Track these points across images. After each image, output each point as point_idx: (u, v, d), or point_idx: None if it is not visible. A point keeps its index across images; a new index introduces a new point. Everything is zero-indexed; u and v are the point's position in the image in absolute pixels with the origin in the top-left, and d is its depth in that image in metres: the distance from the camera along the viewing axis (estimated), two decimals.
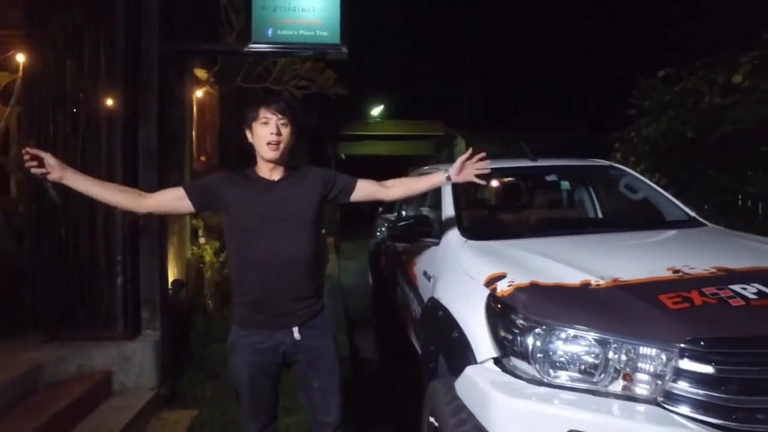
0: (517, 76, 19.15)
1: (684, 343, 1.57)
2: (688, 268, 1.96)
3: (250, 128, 1.97)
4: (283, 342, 1.94)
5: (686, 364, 1.56)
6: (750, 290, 1.73)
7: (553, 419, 1.59)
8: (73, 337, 3.21)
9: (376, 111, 19.07)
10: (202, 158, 4.87)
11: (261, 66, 5.06)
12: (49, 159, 1.83)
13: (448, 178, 2.30)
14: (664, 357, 1.60)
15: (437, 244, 2.84)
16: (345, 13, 3.46)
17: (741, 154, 6.46)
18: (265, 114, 1.92)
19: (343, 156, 18.27)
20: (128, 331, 3.29)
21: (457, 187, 3.07)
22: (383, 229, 4.98)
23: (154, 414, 3.19)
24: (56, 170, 1.84)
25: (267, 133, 1.91)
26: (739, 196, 6.70)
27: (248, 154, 2.10)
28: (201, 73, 4.69)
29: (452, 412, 1.98)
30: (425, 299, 2.78)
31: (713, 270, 1.94)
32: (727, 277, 1.87)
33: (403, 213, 4.45)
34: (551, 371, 1.73)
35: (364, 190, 2.16)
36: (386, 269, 4.50)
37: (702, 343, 1.56)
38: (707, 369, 1.53)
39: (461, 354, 2.01)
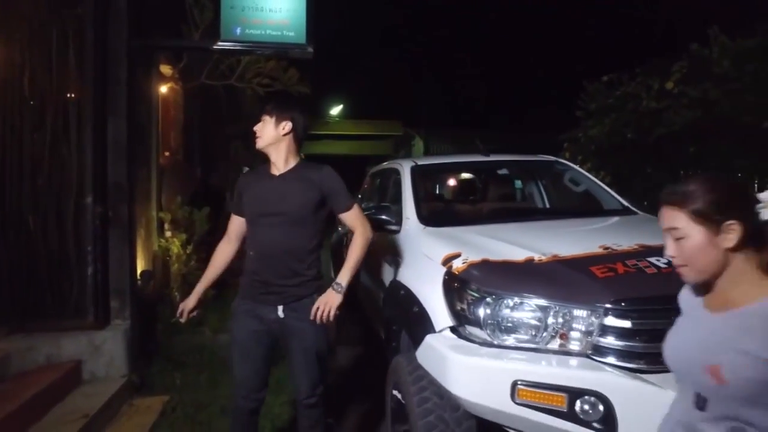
0: (475, 79, 19.75)
1: (609, 304, 1.86)
2: (615, 245, 2.28)
3: None
4: (269, 317, 2.16)
5: (610, 321, 1.85)
6: (662, 261, 2.05)
7: (501, 372, 1.86)
8: (42, 327, 3.24)
9: (336, 110, 19.19)
10: (166, 153, 4.91)
11: (225, 64, 5.14)
12: (190, 307, 2.33)
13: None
14: (593, 317, 1.89)
15: (398, 232, 3.06)
16: (311, 14, 3.64)
17: (674, 154, 7.05)
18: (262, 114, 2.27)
19: (303, 155, 18.26)
20: (98, 321, 3.34)
21: (415, 180, 3.32)
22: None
23: (126, 401, 3.26)
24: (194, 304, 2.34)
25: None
26: None
27: (212, 151, 2.37)
28: (166, 69, 4.73)
29: (414, 380, 2.22)
30: (387, 284, 2.99)
31: (636, 246, 2.26)
32: (646, 251, 2.19)
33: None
34: (500, 334, 1.99)
35: (347, 222, 2.30)
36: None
37: (622, 303, 1.86)
38: (626, 324, 1.84)
39: (422, 326, 2.25)
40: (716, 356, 1.11)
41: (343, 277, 2.15)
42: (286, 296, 2.15)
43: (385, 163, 4.54)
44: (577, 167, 3.89)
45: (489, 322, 2.01)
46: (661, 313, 1.86)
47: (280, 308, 2.15)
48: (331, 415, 2.94)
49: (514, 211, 3.52)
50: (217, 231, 5.30)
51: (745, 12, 7.44)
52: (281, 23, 3.63)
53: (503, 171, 3.77)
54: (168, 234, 4.34)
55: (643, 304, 1.86)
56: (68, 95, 3.30)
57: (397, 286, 2.67)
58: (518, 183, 4.50)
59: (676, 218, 1.17)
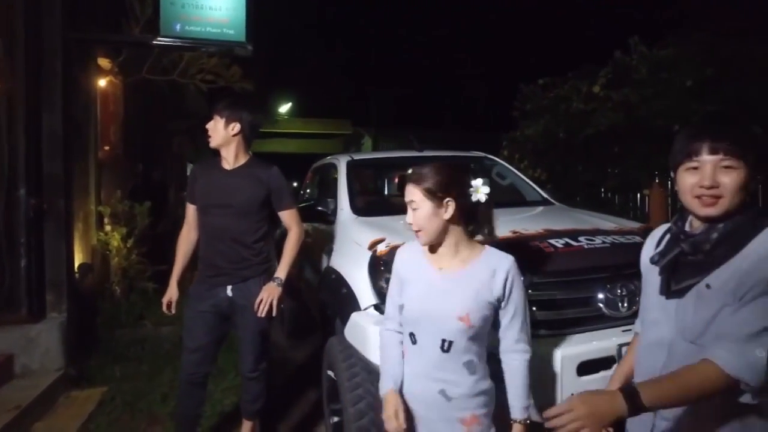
0: (424, 79, 20.18)
1: None
2: (524, 229, 2.55)
3: None
4: (219, 296, 2.36)
5: None
6: (560, 242, 2.34)
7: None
8: None
9: (284, 108, 19.10)
10: (106, 148, 4.86)
11: (167, 59, 5.14)
12: (173, 299, 2.49)
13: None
14: None
15: (333, 222, 3.24)
16: (250, 13, 3.75)
17: (600, 153, 7.59)
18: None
19: (250, 153, 18.06)
20: (32, 314, 3.32)
21: (350, 174, 3.50)
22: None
23: (62, 393, 3.26)
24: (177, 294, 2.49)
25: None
26: (602, 189, 7.87)
27: (155, 146, 2.48)
28: (104, 63, 4.69)
29: (344, 358, 2.39)
30: (322, 271, 3.15)
31: (541, 230, 2.54)
32: (549, 234, 2.47)
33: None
34: None
35: (284, 221, 2.49)
36: None
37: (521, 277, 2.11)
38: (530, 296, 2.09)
39: (349, 306, 2.43)
40: (466, 306, 1.45)
41: (281, 272, 2.39)
42: (234, 277, 2.36)
43: (326, 158, 4.69)
44: (503, 162, 4.20)
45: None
46: (555, 286, 2.14)
47: (229, 288, 2.36)
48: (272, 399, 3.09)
49: None
50: (160, 225, 5.30)
51: (663, 23, 8.10)
52: (221, 21, 3.72)
53: None
54: (108, 228, 4.32)
55: (541, 277, 2.12)
56: None
57: (329, 272, 2.84)
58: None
59: (414, 193, 1.49)
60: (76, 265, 3.76)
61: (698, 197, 1.13)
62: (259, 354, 2.44)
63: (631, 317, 2.11)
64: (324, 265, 3.14)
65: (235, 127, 2.36)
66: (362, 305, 2.36)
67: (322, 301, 3.03)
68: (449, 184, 1.46)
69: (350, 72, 20.17)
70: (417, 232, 1.51)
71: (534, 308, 2.08)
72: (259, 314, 2.29)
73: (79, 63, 3.96)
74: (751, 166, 1.11)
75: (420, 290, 1.53)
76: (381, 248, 2.42)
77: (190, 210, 2.50)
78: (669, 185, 6.56)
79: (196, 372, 2.40)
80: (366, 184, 4.05)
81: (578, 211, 3.35)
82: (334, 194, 3.63)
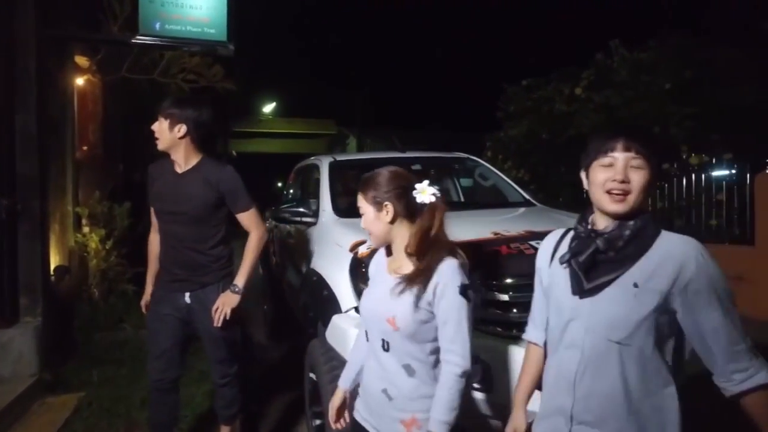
0: (408, 80, 20.22)
1: (491, 280, 2.12)
2: (505, 231, 2.56)
3: None
4: (178, 303, 2.29)
5: (492, 295, 2.11)
6: (536, 244, 2.34)
7: None
8: None
9: (268, 108, 18.96)
10: (84, 148, 4.76)
11: (147, 58, 5.06)
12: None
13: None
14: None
15: (315, 224, 3.22)
16: (232, 12, 3.71)
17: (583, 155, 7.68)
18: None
19: (234, 153, 17.95)
20: (4, 318, 3.24)
21: (333, 175, 3.48)
22: (271, 219, 5.24)
23: (36, 399, 3.18)
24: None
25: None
26: (584, 190, 7.95)
27: (135, 146, 2.41)
28: (82, 61, 4.59)
29: (325, 360, 2.37)
30: (304, 273, 3.13)
31: (522, 232, 2.55)
32: (530, 236, 2.48)
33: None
34: None
35: (242, 223, 2.34)
36: (275, 256, 4.78)
37: (502, 279, 2.12)
38: (504, 297, 2.10)
39: (330, 308, 2.42)
40: (391, 308, 1.47)
41: (240, 279, 2.26)
42: (192, 284, 2.27)
43: (310, 159, 4.66)
44: (486, 164, 4.21)
45: None
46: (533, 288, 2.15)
47: (187, 295, 2.27)
48: (254, 402, 3.06)
49: None
50: (140, 226, 5.21)
51: (644, 27, 8.22)
52: (201, 20, 3.68)
53: (416, 166, 4.01)
54: (86, 229, 4.23)
55: (520, 279, 2.13)
56: None
57: (311, 274, 2.82)
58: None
59: (360, 200, 1.57)
60: (52, 267, 3.68)
61: (609, 192, 1.20)
62: (227, 360, 2.35)
63: None
64: (306, 266, 3.12)
65: (181, 128, 2.21)
66: (343, 307, 2.34)
67: (304, 303, 3.01)
68: (387, 189, 1.52)
69: (334, 72, 20.13)
70: (370, 235, 1.58)
71: (515, 310, 2.09)
72: (214, 324, 2.18)
73: (55, 61, 3.87)
74: (653, 171, 1.21)
75: (371, 291, 1.61)
76: (362, 250, 2.41)
77: (153, 213, 2.41)
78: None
79: (163, 378, 2.32)
80: (348, 185, 4.03)
81: (559, 212, 3.37)
82: (316, 195, 3.61)
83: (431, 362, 1.49)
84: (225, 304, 2.21)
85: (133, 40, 3.59)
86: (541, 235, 2.54)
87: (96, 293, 4.17)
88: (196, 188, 2.23)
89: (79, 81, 4.54)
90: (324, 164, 3.59)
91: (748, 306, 5.12)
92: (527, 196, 3.84)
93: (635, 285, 1.18)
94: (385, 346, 1.51)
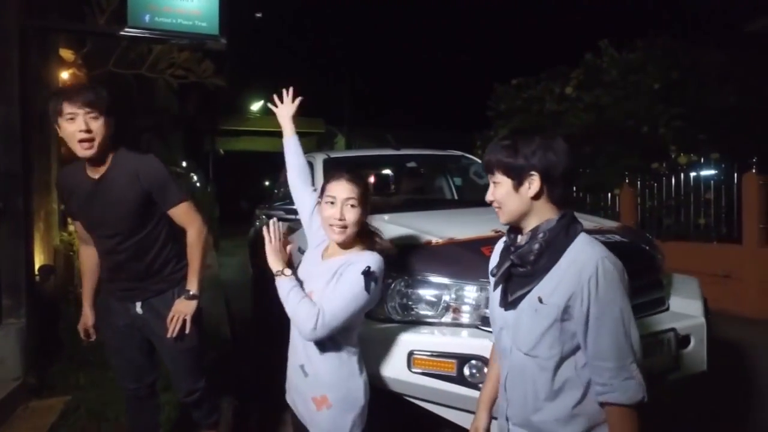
0: (397, 78, 20.20)
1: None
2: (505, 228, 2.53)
3: (57, 124, 1.82)
4: (130, 312, 2.03)
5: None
6: None
7: (398, 344, 2.02)
8: None
9: (256, 106, 18.78)
10: None
11: (135, 52, 4.94)
12: (89, 324, 2.17)
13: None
14: (481, 292, 2.10)
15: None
16: (224, 5, 3.62)
17: (573, 154, 7.72)
18: (69, 109, 1.77)
19: (222, 151, 17.75)
20: None
21: (327, 172, 3.42)
22: (263, 217, 5.17)
23: (20, 404, 3.07)
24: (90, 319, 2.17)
25: (75, 130, 1.77)
26: (573, 189, 8.00)
27: (122, 142, 2.03)
28: (67, 54, 4.46)
29: None
30: None
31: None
32: None
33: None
34: (399, 311, 2.16)
35: (176, 219, 2.02)
36: (264, 254, 4.70)
37: None
38: None
39: None
40: (310, 286, 1.58)
41: (192, 284, 1.99)
42: (146, 292, 2.00)
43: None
44: (481, 161, 4.19)
45: (389, 300, 2.17)
46: None
47: (138, 304, 2.00)
48: (242, 401, 2.97)
49: (422, 202, 3.74)
50: None
51: (631, 28, 8.29)
52: (193, 13, 3.58)
53: (411, 164, 3.98)
54: (71, 228, 4.11)
55: None
56: None
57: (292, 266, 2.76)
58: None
59: (352, 191, 1.60)
60: (37, 267, 3.56)
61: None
62: (192, 373, 2.07)
63: None
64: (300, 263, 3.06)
65: (110, 123, 1.86)
66: None
67: None
68: (368, 193, 1.64)
69: (323, 70, 20.03)
70: (344, 228, 1.58)
71: None
72: (169, 335, 1.93)
73: (38, 53, 3.74)
74: (544, 178, 1.20)
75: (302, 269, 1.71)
76: None
77: (78, 225, 2.08)
78: (638, 185, 6.71)
79: (139, 386, 2.12)
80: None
81: None
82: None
83: (346, 342, 1.58)
84: (180, 312, 1.95)
85: (122, 33, 3.48)
86: None
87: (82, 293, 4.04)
88: (116, 194, 1.86)
89: (64, 75, 4.40)
90: (318, 161, 3.53)
91: (735, 304, 5.22)
92: None
93: (540, 300, 1.20)
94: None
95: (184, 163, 13.27)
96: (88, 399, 3.14)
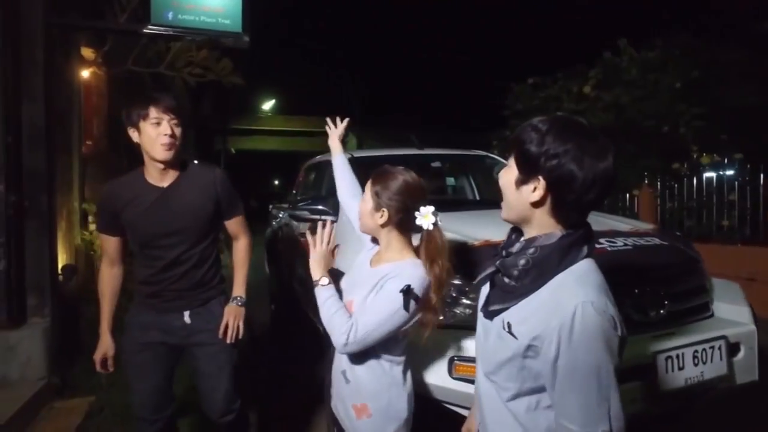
0: (408, 78, 20.13)
1: None
2: None
3: (137, 127, 1.86)
4: (174, 324, 1.96)
5: None
6: None
7: (439, 351, 1.96)
8: None
9: (268, 106, 18.80)
10: (89, 142, 4.62)
11: (153, 50, 4.92)
12: (109, 354, 2.03)
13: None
14: None
15: (335, 221, 3.11)
16: (247, 2, 3.59)
17: (613, 178, 7.63)
18: (155, 113, 1.83)
19: (233, 150, 17.77)
20: (12, 319, 3.10)
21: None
22: (280, 216, 5.13)
23: (45, 404, 3.05)
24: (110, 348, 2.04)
25: (160, 133, 1.83)
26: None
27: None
28: (88, 53, 4.45)
29: None
30: None
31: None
32: None
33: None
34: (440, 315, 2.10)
35: (231, 229, 2.10)
36: (284, 254, 4.67)
37: None
38: None
39: None
40: (350, 297, 1.56)
41: (241, 290, 2.06)
42: (193, 300, 1.97)
43: (319, 157, 4.55)
44: (505, 161, 4.12)
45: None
46: None
47: (187, 313, 1.96)
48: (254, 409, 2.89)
49: (448, 202, 3.69)
50: None
51: (650, 26, 8.19)
52: (216, 10, 3.55)
53: (436, 164, 3.92)
54: (92, 227, 4.09)
55: None
56: None
57: (334, 273, 2.71)
58: (450, 180, 4.68)
59: (368, 186, 1.58)
60: (60, 266, 3.54)
61: None
62: (231, 389, 2.00)
63: (662, 323, 2.05)
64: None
65: (185, 131, 1.94)
66: None
67: None
68: (391, 197, 1.52)
69: (333, 70, 20.01)
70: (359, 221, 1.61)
71: None
72: (228, 341, 1.94)
73: (61, 52, 3.73)
74: (552, 189, 0.98)
75: (347, 275, 1.70)
76: None
77: (111, 243, 1.97)
78: (658, 186, 6.62)
79: (160, 417, 2.01)
80: (366, 181, 3.94)
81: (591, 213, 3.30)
82: (333, 193, 3.50)
83: (388, 351, 1.54)
84: (235, 318, 1.97)
85: (145, 30, 3.45)
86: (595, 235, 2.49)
87: None
88: (191, 201, 1.90)
89: (85, 73, 4.39)
90: None
91: (761, 307, 5.09)
92: None
93: (508, 325, 1.03)
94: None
95: (195, 162, 13.26)
96: (112, 401, 3.12)
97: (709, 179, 5.93)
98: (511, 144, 1.04)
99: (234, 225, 2.08)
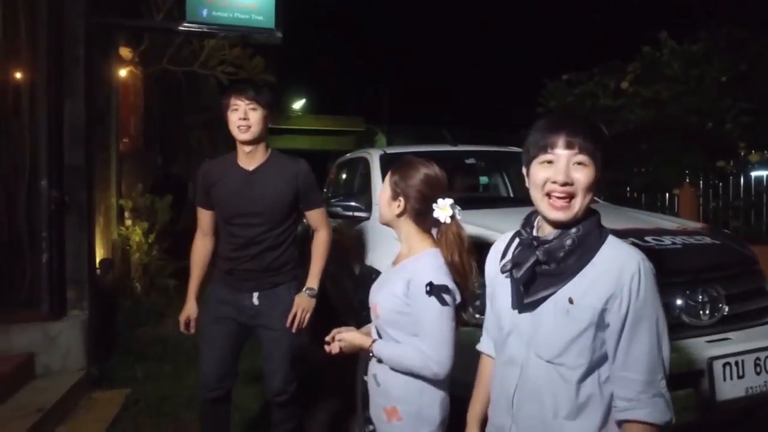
0: (437, 76, 19.99)
1: None
2: None
3: (226, 116, 2.09)
4: (243, 304, 2.11)
5: None
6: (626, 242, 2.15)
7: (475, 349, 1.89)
8: None
9: (298, 105, 18.96)
10: (125, 140, 4.72)
11: (188, 49, 5.00)
12: (192, 317, 2.21)
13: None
14: None
15: (368, 218, 3.07)
16: None
17: (627, 151, 7.38)
18: (235, 101, 2.05)
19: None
20: (53, 312, 3.18)
21: (384, 168, 3.34)
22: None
23: (84, 394, 3.12)
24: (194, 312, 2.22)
25: (236, 118, 2.04)
26: (627, 188, 7.65)
27: (172, 140, 2.20)
28: (125, 52, 4.55)
29: None
30: (357, 270, 2.99)
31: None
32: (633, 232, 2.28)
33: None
34: (473, 313, 2.03)
35: (311, 221, 2.23)
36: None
37: None
38: None
39: None
40: (377, 296, 1.52)
41: (314, 281, 2.15)
42: (263, 283, 2.11)
43: (350, 154, 4.53)
44: None
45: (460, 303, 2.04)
46: None
47: (255, 295, 2.10)
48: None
49: (483, 198, 3.61)
50: (179, 221, 5.17)
51: (691, 19, 7.86)
52: (249, 7, 3.57)
53: (470, 160, 3.84)
54: (128, 222, 4.18)
55: None
56: (20, 74, 3.12)
57: (369, 270, 2.67)
58: (484, 179, 4.59)
59: (387, 176, 1.55)
60: (97, 260, 3.62)
61: (548, 195, 1.08)
62: (289, 373, 2.12)
63: (715, 326, 1.93)
64: (359, 264, 2.98)
65: (267, 119, 2.10)
66: None
67: (359, 302, 2.86)
68: (410, 187, 1.49)
69: (362, 68, 20.05)
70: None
71: None
72: (293, 330, 2.08)
73: (101, 51, 3.81)
74: (599, 168, 1.08)
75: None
76: None
77: (204, 215, 2.20)
78: (701, 185, 6.34)
79: (221, 387, 2.14)
80: None
81: (630, 210, 3.17)
82: (365, 189, 3.47)
83: None
84: (304, 309, 2.09)
85: (181, 28, 3.49)
86: (622, 234, 2.37)
87: (138, 287, 4.11)
88: (274, 185, 2.08)
89: (122, 72, 4.49)
90: (374, 158, 3.45)
91: None
92: None
93: (570, 301, 1.08)
94: (378, 333, 1.54)
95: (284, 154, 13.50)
96: (147, 393, 3.17)
97: (759, 178, 5.65)
98: (575, 141, 1.07)
99: (313, 217, 2.20)
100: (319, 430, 2.93)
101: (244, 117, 2.03)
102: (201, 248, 2.23)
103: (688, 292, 1.96)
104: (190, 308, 2.21)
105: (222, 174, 2.12)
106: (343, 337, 1.54)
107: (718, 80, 6.30)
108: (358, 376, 2.56)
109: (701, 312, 1.94)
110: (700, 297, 1.96)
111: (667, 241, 2.22)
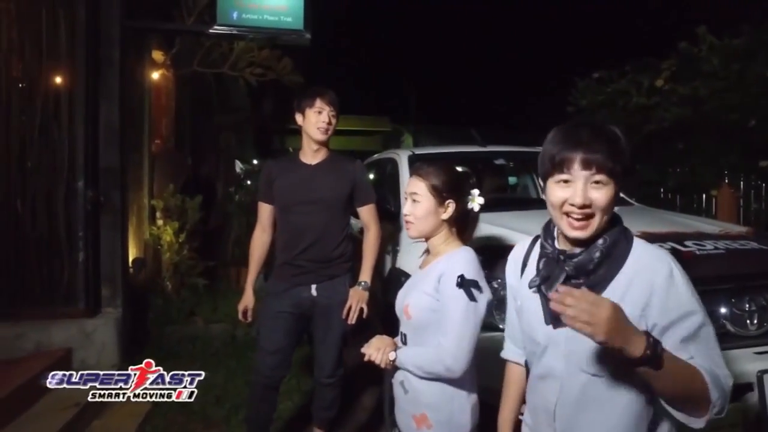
0: (464, 75, 19.82)
1: None
2: None
3: (303, 113, 2.29)
4: (302, 296, 2.26)
5: None
6: (665, 246, 2.06)
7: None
8: (31, 314, 3.16)
9: None
10: (157, 141, 4.82)
11: (217, 52, 5.06)
12: (249, 307, 2.38)
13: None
14: None
15: (397, 219, 3.05)
16: (308, 0, 3.61)
17: (662, 150, 7.14)
18: (320, 103, 2.26)
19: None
20: (89, 309, 3.27)
21: (413, 168, 3.31)
22: None
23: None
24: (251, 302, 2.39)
25: (320, 120, 2.25)
26: (661, 189, 7.41)
27: (202, 141, 2.29)
28: (158, 55, 4.64)
29: None
30: (387, 272, 2.97)
31: (638, 233, 2.26)
32: (649, 237, 2.20)
33: None
34: (503, 317, 1.98)
35: (364, 217, 2.37)
36: None
37: None
38: None
39: None
40: (409, 296, 1.49)
41: (367, 275, 2.31)
42: (320, 275, 2.26)
43: (377, 155, 4.51)
44: None
45: (495, 306, 2.00)
46: None
47: (314, 287, 2.25)
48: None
49: (512, 200, 3.54)
50: (210, 220, 5.24)
51: (731, 14, 7.56)
52: (278, 9, 3.60)
53: (500, 161, 3.78)
54: (160, 222, 4.26)
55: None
56: (59, 76, 3.21)
57: (397, 273, 2.65)
58: (513, 179, 4.51)
59: (419, 187, 1.49)
60: (130, 259, 3.70)
61: (567, 214, 1.04)
62: (339, 358, 2.33)
63: (763, 337, 1.83)
64: (388, 265, 2.96)
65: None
66: None
67: (388, 304, 2.84)
68: (454, 186, 1.49)
69: (389, 68, 20.03)
70: (409, 224, 1.52)
71: None
72: (349, 321, 2.23)
73: (134, 53, 3.90)
74: (618, 183, 1.04)
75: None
76: None
77: (265, 210, 2.38)
78: (741, 185, 6.09)
79: (273, 375, 2.29)
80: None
81: (667, 212, 3.06)
82: (394, 190, 3.45)
83: None
84: (359, 301, 2.23)
85: (211, 30, 3.55)
86: (661, 237, 2.28)
87: (169, 286, 4.19)
88: (333, 178, 2.26)
89: (155, 75, 4.58)
90: (403, 158, 3.43)
91: None
92: (621, 195, 3.53)
93: None
94: (403, 339, 1.52)
95: (254, 161, 13.67)
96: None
97: None
98: (591, 162, 1.03)
99: (365, 213, 2.34)
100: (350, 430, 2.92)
101: (328, 121, 2.25)
102: (260, 242, 2.39)
103: (733, 300, 1.86)
104: (248, 298, 2.37)
105: (285, 169, 2.32)
106: (371, 344, 1.51)
107: (762, 75, 6.03)
108: (386, 380, 2.54)
109: (748, 321, 1.84)
110: (747, 305, 1.86)
111: (708, 245, 2.13)
